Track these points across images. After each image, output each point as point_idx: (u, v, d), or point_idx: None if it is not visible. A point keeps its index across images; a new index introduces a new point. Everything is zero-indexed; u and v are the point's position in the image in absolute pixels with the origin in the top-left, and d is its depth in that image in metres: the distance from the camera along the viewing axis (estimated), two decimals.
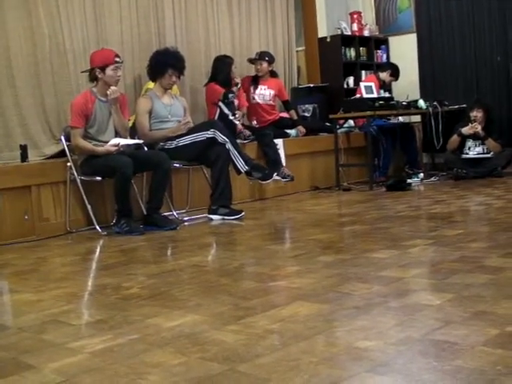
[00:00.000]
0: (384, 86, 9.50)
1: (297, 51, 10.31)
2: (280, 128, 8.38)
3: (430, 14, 10.17)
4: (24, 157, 6.41)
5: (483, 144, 8.62)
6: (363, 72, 10.36)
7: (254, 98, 8.56)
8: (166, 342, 2.75)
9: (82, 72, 6.35)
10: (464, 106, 9.13)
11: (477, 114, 8.64)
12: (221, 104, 7.50)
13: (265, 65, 8.59)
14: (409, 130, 9.42)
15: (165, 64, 6.67)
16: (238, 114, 7.65)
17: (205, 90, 8.07)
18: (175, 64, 6.71)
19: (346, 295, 3.30)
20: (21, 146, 6.46)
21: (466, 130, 8.56)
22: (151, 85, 7.02)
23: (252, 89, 8.58)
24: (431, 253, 4.30)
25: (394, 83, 10.16)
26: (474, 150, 8.69)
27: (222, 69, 8.00)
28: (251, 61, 8.65)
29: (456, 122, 8.86)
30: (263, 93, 8.60)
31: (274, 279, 3.83)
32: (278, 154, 7.83)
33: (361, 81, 9.72)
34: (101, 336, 2.91)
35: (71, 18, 7.27)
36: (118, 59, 6.12)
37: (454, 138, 8.69)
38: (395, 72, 9.48)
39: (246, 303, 3.27)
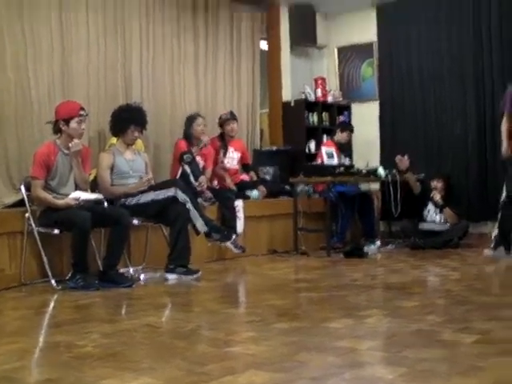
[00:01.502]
0: (343, 146, 9.55)
1: (260, 113, 10.39)
2: (240, 190, 8.38)
3: (392, 82, 10.35)
4: None
5: (441, 212, 8.74)
6: (325, 136, 10.44)
7: (222, 162, 8.51)
8: None
9: (47, 123, 6.32)
10: (423, 175, 9.24)
11: (437, 183, 8.81)
12: (184, 164, 7.49)
13: (236, 125, 8.64)
14: (367, 199, 9.48)
15: (126, 120, 6.69)
16: (202, 179, 7.60)
17: None
18: (137, 120, 6.73)
19: (302, 364, 3.29)
20: None
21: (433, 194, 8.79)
22: (114, 140, 7.02)
23: (222, 153, 8.53)
24: (387, 324, 4.32)
25: (354, 149, 10.32)
26: (432, 217, 8.79)
27: (186, 125, 8.05)
28: (224, 121, 8.63)
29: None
30: (231, 156, 8.62)
31: (229, 345, 3.81)
32: (235, 221, 7.83)
33: (321, 145, 9.79)
34: None
35: (38, 66, 7.28)
36: (82, 112, 6.13)
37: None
38: (345, 127, 9.63)
39: (200, 369, 3.24)
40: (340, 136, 9.46)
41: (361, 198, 9.36)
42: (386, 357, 3.50)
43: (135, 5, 8.37)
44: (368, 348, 3.65)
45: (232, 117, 8.63)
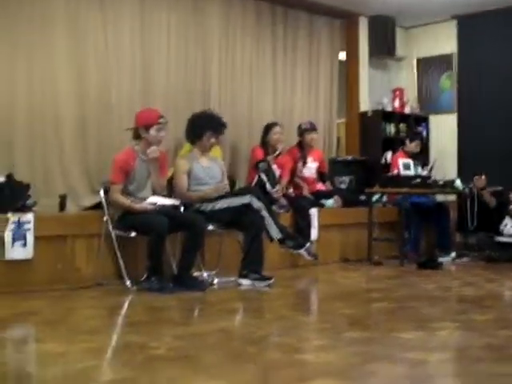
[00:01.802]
0: (415, 157, 9.45)
1: (337, 123, 10.40)
2: (316, 199, 8.39)
3: (471, 95, 10.23)
4: (62, 206, 6.53)
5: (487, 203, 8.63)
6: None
7: (301, 172, 8.53)
8: None
9: (127, 129, 6.45)
10: (500, 188, 9.11)
11: (480, 182, 8.70)
12: (260, 172, 7.55)
13: (316, 135, 8.69)
14: (443, 210, 9.36)
15: (202, 127, 6.77)
16: (278, 188, 7.67)
17: None
18: (213, 126, 6.81)
19: (371, 375, 3.29)
20: (60, 195, 6.58)
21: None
22: (188, 147, 7.12)
23: (301, 163, 8.53)
24: (458, 337, 4.29)
25: (431, 160, 10.25)
26: (510, 231, 8.65)
27: (264, 133, 8.12)
28: (304, 131, 8.67)
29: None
30: (310, 166, 8.64)
31: (299, 352, 3.84)
32: (309, 229, 7.85)
33: (393, 156, 9.74)
34: None
35: (121, 72, 7.47)
36: (162, 120, 6.23)
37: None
38: (413, 137, 9.56)
39: (271, 374, 3.28)
40: (409, 146, 9.38)
41: (437, 209, 9.27)
42: (457, 370, 3.49)
43: (216, 12, 8.48)
44: (438, 360, 3.63)
45: (312, 127, 8.65)
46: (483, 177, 8.86)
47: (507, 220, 8.74)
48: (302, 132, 8.65)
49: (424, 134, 10.79)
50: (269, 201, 6.98)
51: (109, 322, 4.91)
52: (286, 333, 4.39)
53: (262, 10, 9.09)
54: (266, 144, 8.06)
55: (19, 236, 5.89)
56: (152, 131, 6.17)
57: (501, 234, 8.77)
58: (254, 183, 7.53)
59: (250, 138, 8.69)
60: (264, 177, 7.58)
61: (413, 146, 9.34)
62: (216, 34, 8.49)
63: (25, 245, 5.89)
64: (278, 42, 9.29)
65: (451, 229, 9.55)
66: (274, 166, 7.92)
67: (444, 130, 10.56)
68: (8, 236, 5.84)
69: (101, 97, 7.33)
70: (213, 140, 6.82)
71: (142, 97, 7.65)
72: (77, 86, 7.17)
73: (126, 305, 5.60)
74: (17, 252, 5.86)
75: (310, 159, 8.63)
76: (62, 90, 7.06)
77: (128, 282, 6.09)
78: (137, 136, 6.26)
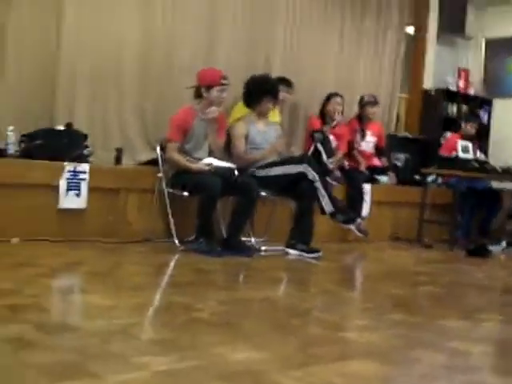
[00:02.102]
0: (473, 139, 9.31)
1: (399, 98, 10.28)
2: (371, 174, 8.32)
3: None
4: (118, 160, 6.57)
5: None
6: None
7: (359, 145, 8.49)
8: (227, 375, 2.76)
9: (188, 88, 6.44)
10: None
11: None
12: (316, 142, 7.50)
13: (377, 109, 8.62)
14: (495, 197, 9.23)
15: (261, 92, 6.73)
16: (334, 160, 7.63)
17: None
18: (271, 91, 6.77)
19: (413, 361, 3.26)
20: (116, 149, 6.61)
21: None
22: (241, 107, 7.08)
23: (359, 136, 8.48)
24: (504, 329, 4.23)
25: (492, 145, 10.11)
26: None
27: (323, 103, 8.04)
28: (367, 103, 8.57)
29: None
30: (369, 140, 8.57)
31: (342, 329, 3.83)
32: (361, 204, 7.81)
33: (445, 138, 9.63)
34: (165, 355, 2.92)
35: (185, 31, 7.45)
36: (224, 81, 6.21)
37: None
38: (469, 119, 9.46)
39: (312, 350, 3.26)
40: (465, 128, 9.23)
41: (490, 195, 9.15)
42: (500, 364, 3.43)
43: None
44: (482, 353, 3.58)
45: (374, 100, 8.56)
46: None
47: None
48: (363, 105, 8.56)
49: (485, 117, 10.64)
50: (323, 172, 6.94)
51: (154, 280, 4.94)
52: (330, 308, 4.37)
53: None
54: (324, 114, 7.99)
55: (74, 185, 5.96)
56: (214, 91, 6.15)
57: None
58: (310, 153, 7.49)
59: (310, 106, 8.63)
60: (320, 147, 7.52)
61: (468, 128, 9.19)
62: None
63: (79, 195, 5.97)
64: (346, 10, 9.17)
65: (498, 217, 9.45)
66: (332, 137, 7.86)
67: (508, 115, 10.37)
68: (63, 184, 5.92)
69: (164, 53, 7.33)
70: (270, 105, 6.77)
71: (204, 56, 7.62)
72: (141, 41, 7.18)
73: (172, 264, 5.64)
74: (71, 201, 5.95)
75: (368, 133, 8.56)
76: (126, 44, 7.08)
77: (176, 241, 6.12)
78: (198, 95, 6.25)
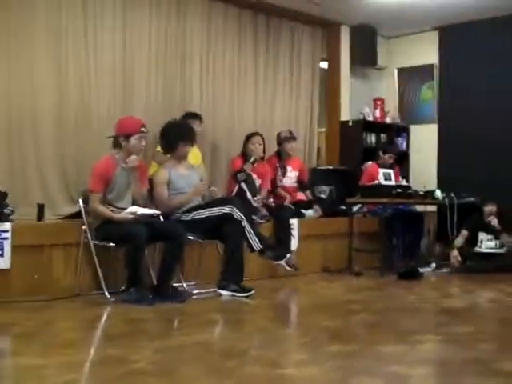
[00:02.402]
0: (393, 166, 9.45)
1: (318, 132, 10.39)
2: (296, 209, 8.35)
3: (452, 106, 10.23)
4: (40, 215, 6.44)
5: (496, 239, 8.59)
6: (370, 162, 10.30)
7: (281, 181, 8.51)
8: None
9: (107, 137, 6.38)
10: (471, 199, 9.10)
11: (492, 207, 8.66)
12: (241, 183, 7.50)
13: (295, 144, 8.65)
14: (418, 220, 9.41)
15: (175, 138, 6.69)
16: (259, 198, 7.65)
17: None
18: (185, 137, 6.74)
19: None
20: (38, 204, 6.49)
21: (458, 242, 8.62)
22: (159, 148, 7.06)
23: (280, 172, 8.52)
24: (440, 350, 4.27)
25: (412, 173, 10.32)
26: (486, 244, 8.65)
27: (244, 143, 8.07)
28: (283, 140, 8.60)
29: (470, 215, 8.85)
30: (290, 175, 8.59)
31: (280, 366, 3.79)
32: (290, 239, 7.81)
33: (364, 169, 9.78)
34: None
35: (100, 82, 7.46)
36: (143, 129, 6.16)
37: (460, 239, 8.70)
38: (387, 148, 9.59)
39: None
40: (383, 158, 9.37)
41: (414, 218, 9.31)
42: None
43: (196, 26, 8.46)
44: (422, 375, 3.60)
45: (291, 136, 8.61)
46: (494, 206, 8.77)
47: (481, 236, 8.70)
48: (281, 141, 8.61)
49: (404, 144, 10.82)
50: (249, 211, 6.94)
51: (87, 334, 4.83)
52: (266, 346, 4.34)
53: (243, 18, 9.09)
54: (245, 154, 8.01)
55: None
56: (133, 140, 6.09)
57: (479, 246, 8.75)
58: (234, 193, 7.48)
59: (231, 147, 8.68)
60: (244, 186, 7.52)
61: (386, 158, 9.33)
62: (197, 41, 8.48)
63: (2, 255, 5.81)
64: (260, 49, 9.29)
65: (430, 240, 9.59)
66: (254, 176, 7.87)
67: (425, 141, 10.58)
68: None
69: (80, 105, 7.28)
70: (187, 149, 6.75)
71: (122, 105, 7.61)
72: (55, 93, 7.14)
73: (104, 317, 5.53)
74: None
75: (289, 168, 8.60)
76: (40, 98, 7.03)
77: (107, 293, 6.01)
78: (117, 144, 6.18)
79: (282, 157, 8.59)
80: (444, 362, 3.93)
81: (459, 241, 8.66)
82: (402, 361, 3.88)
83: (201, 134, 7.84)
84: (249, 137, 8.10)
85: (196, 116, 7.84)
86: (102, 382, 3.43)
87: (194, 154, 7.42)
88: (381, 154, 9.41)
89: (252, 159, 7.84)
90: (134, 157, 6.10)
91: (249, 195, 7.47)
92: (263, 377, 3.50)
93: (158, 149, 7.09)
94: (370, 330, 4.94)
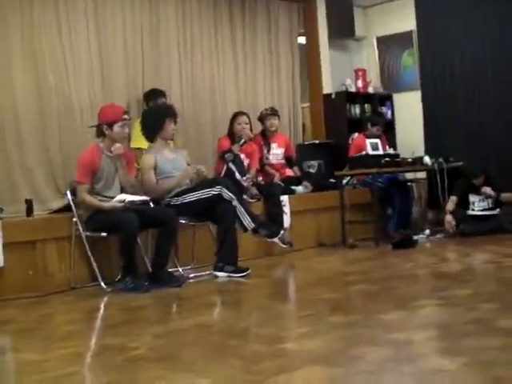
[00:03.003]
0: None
1: (302, 108, 10.35)
2: (286, 185, 8.32)
3: (434, 71, 10.21)
4: (29, 211, 6.38)
5: (487, 198, 8.57)
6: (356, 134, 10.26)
7: (267, 158, 8.49)
8: None
9: (90, 127, 6.33)
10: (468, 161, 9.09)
11: (479, 180, 8.60)
12: (228, 162, 7.45)
13: (277, 121, 8.58)
14: (408, 190, 9.40)
15: (160, 116, 6.63)
16: (248, 178, 7.60)
17: None
18: (170, 112, 6.69)
19: (358, 359, 3.23)
20: (26, 200, 6.44)
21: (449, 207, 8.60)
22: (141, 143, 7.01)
23: (265, 150, 8.50)
24: (441, 314, 4.24)
25: (398, 138, 10.32)
26: (478, 206, 8.64)
27: (230, 123, 8.01)
28: (263, 117, 8.59)
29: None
30: (276, 152, 8.56)
31: (283, 341, 3.77)
32: (282, 216, 7.78)
33: (351, 140, 9.77)
34: None
35: (78, 72, 7.39)
36: (125, 116, 6.11)
37: (451, 204, 8.67)
38: (374, 120, 9.53)
39: (255, 367, 3.20)
40: (371, 130, 9.33)
41: (403, 186, 9.32)
42: (444, 347, 3.43)
43: (171, 9, 8.39)
44: (424, 339, 3.58)
45: (272, 112, 8.58)
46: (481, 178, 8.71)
47: (472, 198, 8.68)
48: (262, 118, 8.58)
49: (389, 113, 10.80)
50: (239, 190, 6.90)
51: (86, 326, 4.80)
52: (267, 323, 4.32)
53: None
54: (232, 134, 7.96)
55: None
56: (116, 128, 6.03)
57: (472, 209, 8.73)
58: (222, 174, 7.44)
59: (215, 128, 8.66)
60: (232, 166, 7.47)
61: (374, 130, 9.30)
62: (173, 24, 8.42)
63: None
64: (237, 28, 9.25)
65: (421, 207, 9.58)
66: (242, 156, 7.83)
67: (409, 108, 10.55)
68: None
69: (60, 97, 7.23)
70: (173, 126, 6.67)
71: (102, 94, 7.55)
72: (34, 87, 7.07)
73: (101, 307, 5.51)
74: None
75: (274, 145, 8.56)
76: (20, 93, 6.96)
77: (103, 284, 5.98)
78: (100, 133, 6.12)
79: (266, 134, 8.55)
80: (445, 325, 3.91)
81: (450, 206, 8.63)
82: (404, 327, 3.87)
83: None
84: (235, 116, 8.04)
85: (162, 92, 7.76)
86: (103, 370, 3.39)
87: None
88: (368, 126, 9.37)
89: (242, 141, 7.77)
90: (118, 145, 6.05)
91: (237, 175, 7.42)
92: (266, 353, 3.48)
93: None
94: (370, 300, 4.92)
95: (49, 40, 7.19)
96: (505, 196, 8.49)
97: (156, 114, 6.70)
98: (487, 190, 8.51)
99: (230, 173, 7.40)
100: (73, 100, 7.29)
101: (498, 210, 8.52)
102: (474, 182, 8.61)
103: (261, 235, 6.76)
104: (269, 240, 7.13)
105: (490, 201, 8.58)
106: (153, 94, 7.61)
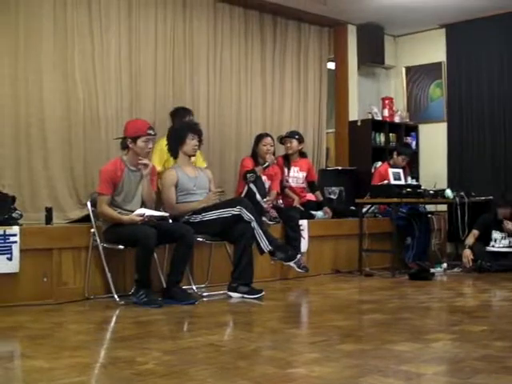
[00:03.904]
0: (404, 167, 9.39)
1: (327, 133, 10.35)
2: (306, 210, 8.31)
3: (461, 104, 10.21)
4: (48, 219, 6.42)
5: (510, 236, 8.51)
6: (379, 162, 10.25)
7: (287, 181, 8.50)
8: None
9: (115, 139, 6.36)
10: (490, 197, 9.05)
11: (505, 211, 8.56)
12: (249, 183, 7.46)
13: (295, 143, 8.56)
14: (428, 221, 9.32)
15: (183, 129, 6.67)
16: (268, 200, 7.61)
17: None
18: (193, 127, 6.73)
19: None
20: (46, 208, 6.47)
21: (469, 241, 8.54)
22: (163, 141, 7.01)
23: (286, 171, 8.51)
24: (454, 349, 4.19)
25: (422, 172, 10.29)
26: (499, 243, 8.59)
27: (254, 144, 8.02)
28: (281, 139, 8.59)
29: (481, 214, 8.79)
30: (296, 175, 8.57)
31: (292, 365, 3.74)
32: (299, 241, 7.76)
33: (375, 169, 9.74)
34: None
35: (106, 85, 7.45)
36: (150, 131, 6.12)
37: (471, 238, 8.62)
38: (401, 151, 9.44)
39: None
40: (396, 159, 9.28)
41: (423, 218, 9.25)
42: (454, 383, 3.39)
43: (203, 27, 8.44)
44: (434, 373, 3.54)
45: (290, 135, 8.59)
46: (507, 209, 8.67)
47: (495, 235, 8.63)
48: (281, 141, 8.58)
49: (413, 143, 10.77)
50: (259, 212, 6.90)
51: (96, 337, 4.80)
52: (278, 346, 4.29)
53: (250, 18, 9.08)
54: (255, 155, 7.97)
55: (5, 249, 5.78)
56: (140, 142, 6.05)
57: (492, 245, 8.67)
58: (243, 194, 7.44)
59: (239, 148, 8.67)
60: (253, 187, 7.48)
61: (400, 160, 9.25)
62: (204, 43, 8.48)
63: (10, 259, 5.78)
64: (267, 50, 9.29)
65: (441, 239, 9.51)
66: (264, 178, 7.84)
67: (434, 139, 10.54)
68: None
69: (87, 108, 7.29)
70: (195, 142, 6.68)
71: (130, 108, 7.60)
72: (63, 97, 7.13)
73: (113, 319, 5.49)
74: (2, 266, 5.75)
75: (296, 169, 8.58)
76: (48, 101, 7.06)
77: (116, 296, 5.99)
78: (125, 146, 6.15)
79: (288, 157, 8.56)
80: (457, 361, 3.86)
81: (470, 240, 8.59)
82: (415, 359, 3.83)
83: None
84: (260, 137, 8.06)
85: (188, 110, 7.78)
86: (110, 382, 3.38)
87: (199, 160, 7.43)
88: (394, 155, 9.33)
89: (266, 164, 7.80)
90: (148, 163, 6.08)
91: (258, 196, 7.43)
92: (275, 376, 3.46)
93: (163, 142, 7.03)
94: (383, 329, 4.87)
95: (80, 50, 7.25)
96: None
97: (180, 129, 6.73)
98: (509, 224, 8.46)
99: (250, 193, 7.41)
100: (100, 112, 7.35)
101: None
102: (497, 216, 8.56)
103: (278, 258, 6.75)
104: (285, 264, 7.12)
105: (511, 240, 8.52)
106: (179, 112, 7.64)
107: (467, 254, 8.46)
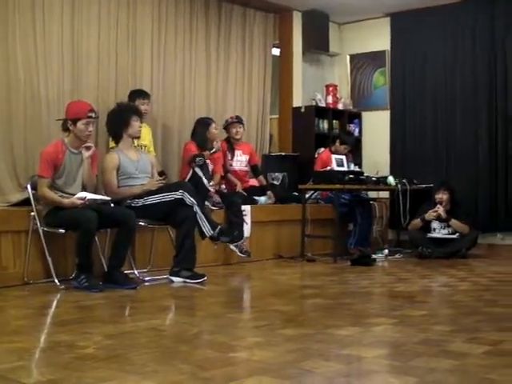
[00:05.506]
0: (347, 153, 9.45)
1: (270, 119, 10.35)
2: (249, 195, 8.31)
3: (404, 92, 10.30)
4: None
5: (449, 226, 8.63)
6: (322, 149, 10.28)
7: (231, 165, 8.51)
8: None
9: (57, 120, 6.26)
10: (431, 185, 9.16)
11: (442, 195, 8.69)
12: (195, 167, 7.42)
13: (242, 129, 8.58)
14: (369, 208, 9.41)
15: (126, 112, 6.60)
16: (213, 183, 7.61)
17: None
18: (135, 109, 6.72)
19: (308, 372, 3.21)
20: None
21: (428, 216, 8.61)
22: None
23: (229, 155, 8.51)
24: (395, 333, 4.23)
25: (364, 156, 10.36)
26: (439, 232, 8.69)
27: (199, 129, 7.98)
28: (230, 124, 8.58)
29: (423, 201, 8.90)
30: (240, 159, 8.59)
31: (233, 350, 3.74)
32: (242, 226, 7.76)
33: (317, 155, 9.78)
34: None
35: (48, 66, 7.27)
36: (91, 114, 6.01)
37: (417, 222, 8.74)
38: (344, 139, 9.50)
39: (203, 373, 3.17)
40: (338, 147, 9.34)
41: (365, 205, 9.34)
42: (394, 366, 3.41)
43: (147, 10, 8.33)
44: (375, 356, 3.57)
45: (237, 120, 8.58)
46: (444, 194, 8.78)
47: (434, 224, 8.73)
48: (227, 125, 8.59)
49: (356, 130, 10.83)
50: (204, 196, 6.89)
51: (36, 321, 4.73)
52: (220, 331, 4.28)
53: (195, 3, 8.98)
54: (203, 140, 7.88)
55: None
56: (80, 125, 5.96)
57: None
58: (187, 178, 7.40)
59: (182, 133, 8.58)
60: (199, 171, 7.44)
61: (341, 148, 9.31)
62: (148, 26, 8.36)
63: None
64: (212, 35, 9.22)
65: (379, 225, 9.61)
66: (208, 162, 7.81)
67: (377, 127, 10.62)
68: None
69: (28, 88, 7.10)
70: (138, 123, 6.62)
71: (72, 90, 7.46)
72: (3, 79, 6.95)
73: (54, 304, 5.43)
74: None
75: (238, 152, 8.61)
76: None
77: (57, 281, 5.92)
78: (66, 129, 6.07)
79: (230, 142, 8.56)
80: (397, 344, 3.90)
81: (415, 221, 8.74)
82: (356, 343, 3.86)
83: (150, 112, 7.80)
84: (208, 122, 8.04)
85: (143, 93, 7.74)
86: (50, 367, 3.33)
87: (145, 133, 7.38)
88: (337, 142, 9.37)
89: (214, 150, 7.80)
90: (89, 144, 6.01)
91: (205, 180, 7.39)
92: (217, 360, 3.45)
93: (112, 145, 6.98)
94: (325, 314, 4.89)
95: (22, 30, 7.08)
96: (455, 223, 8.57)
97: (123, 112, 6.64)
98: (440, 208, 8.58)
99: (195, 178, 7.36)
100: (41, 94, 7.18)
101: (457, 234, 8.58)
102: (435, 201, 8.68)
103: (223, 242, 6.74)
104: (230, 245, 7.13)
105: (450, 229, 8.63)
106: (134, 95, 7.61)
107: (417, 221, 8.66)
